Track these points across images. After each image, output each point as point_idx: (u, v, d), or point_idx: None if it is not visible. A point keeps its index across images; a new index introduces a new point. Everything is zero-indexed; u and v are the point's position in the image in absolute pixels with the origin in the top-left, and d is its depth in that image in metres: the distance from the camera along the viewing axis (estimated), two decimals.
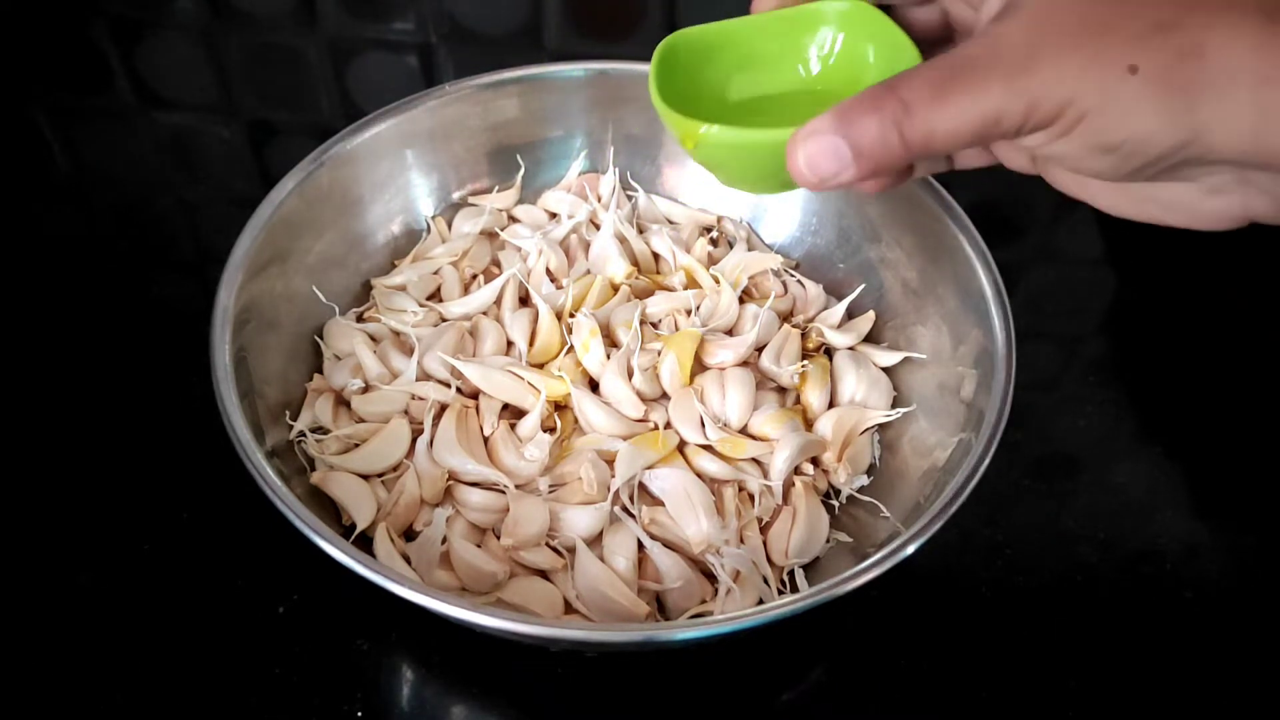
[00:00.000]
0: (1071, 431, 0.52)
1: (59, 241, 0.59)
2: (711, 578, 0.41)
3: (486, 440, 0.44)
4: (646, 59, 0.52)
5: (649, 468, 0.42)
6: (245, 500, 0.37)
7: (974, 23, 0.31)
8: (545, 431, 0.44)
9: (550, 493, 0.42)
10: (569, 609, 0.40)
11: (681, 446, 0.44)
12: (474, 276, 0.50)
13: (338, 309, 0.48)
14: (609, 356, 0.45)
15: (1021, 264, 0.59)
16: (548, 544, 0.41)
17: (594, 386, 0.46)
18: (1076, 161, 0.28)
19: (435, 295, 0.50)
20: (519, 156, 0.54)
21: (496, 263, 0.51)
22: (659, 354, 0.45)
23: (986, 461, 0.38)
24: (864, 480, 0.45)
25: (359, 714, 0.41)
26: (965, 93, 0.27)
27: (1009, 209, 0.62)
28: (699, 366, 0.46)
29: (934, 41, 0.35)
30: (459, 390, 0.45)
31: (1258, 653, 0.44)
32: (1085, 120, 0.26)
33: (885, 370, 0.48)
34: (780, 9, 0.36)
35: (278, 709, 0.41)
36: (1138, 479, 0.50)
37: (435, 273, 0.50)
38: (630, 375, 0.45)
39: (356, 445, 0.44)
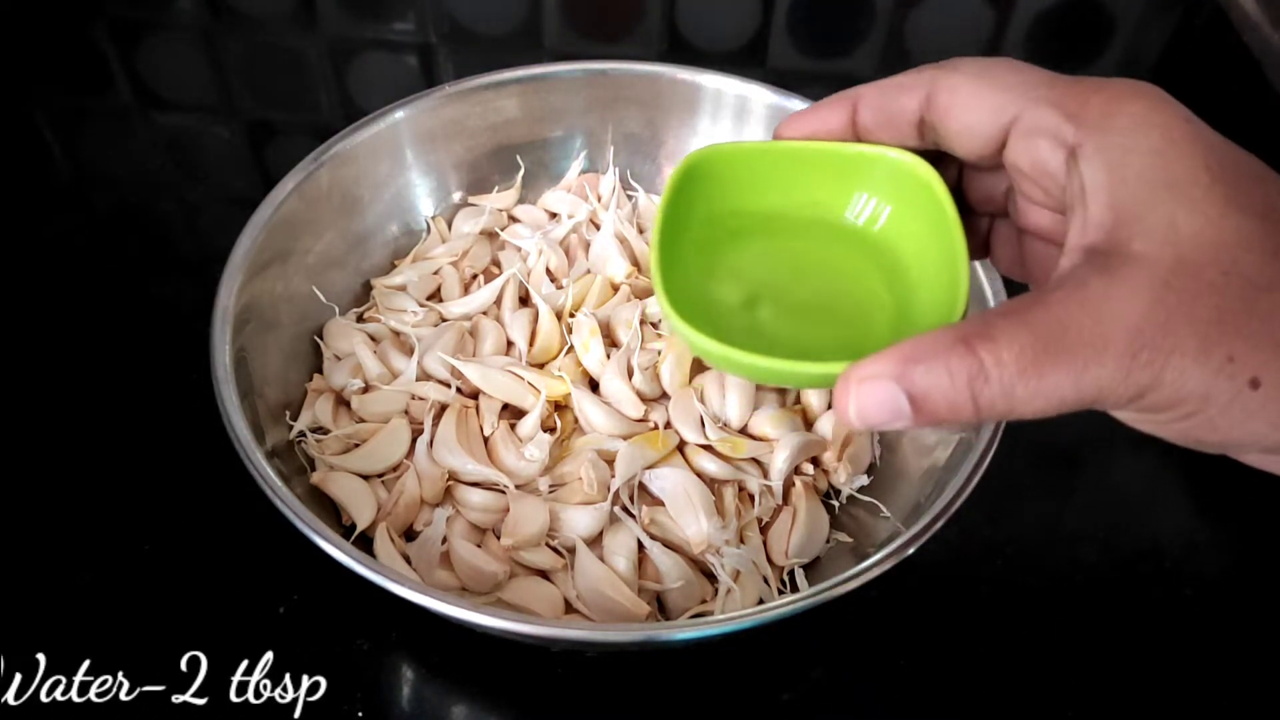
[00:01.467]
0: (1071, 431, 0.52)
1: (59, 242, 0.59)
2: (711, 578, 0.41)
3: (486, 440, 0.44)
4: (646, 59, 0.53)
5: (649, 467, 0.42)
6: (245, 500, 0.37)
7: (1050, 227, 0.28)
8: (545, 431, 0.44)
9: (550, 493, 0.42)
10: (569, 609, 0.40)
11: (681, 446, 0.44)
12: (474, 276, 0.50)
13: (337, 309, 0.48)
14: (609, 356, 0.45)
15: None
16: (548, 544, 0.41)
17: (594, 386, 0.46)
18: (1165, 434, 0.26)
19: (435, 295, 0.50)
20: (519, 156, 0.54)
21: (496, 263, 0.51)
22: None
23: (987, 461, 0.38)
24: (864, 480, 0.45)
25: (359, 714, 0.41)
26: (1066, 372, 0.23)
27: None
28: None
29: (987, 213, 0.31)
30: (459, 390, 0.45)
31: (1257, 651, 0.44)
32: (1195, 418, 0.24)
33: None
34: (821, 141, 0.31)
35: (278, 709, 0.41)
36: (1138, 478, 0.50)
37: (435, 273, 0.50)
38: (630, 375, 0.45)
39: (356, 445, 0.44)
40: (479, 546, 0.41)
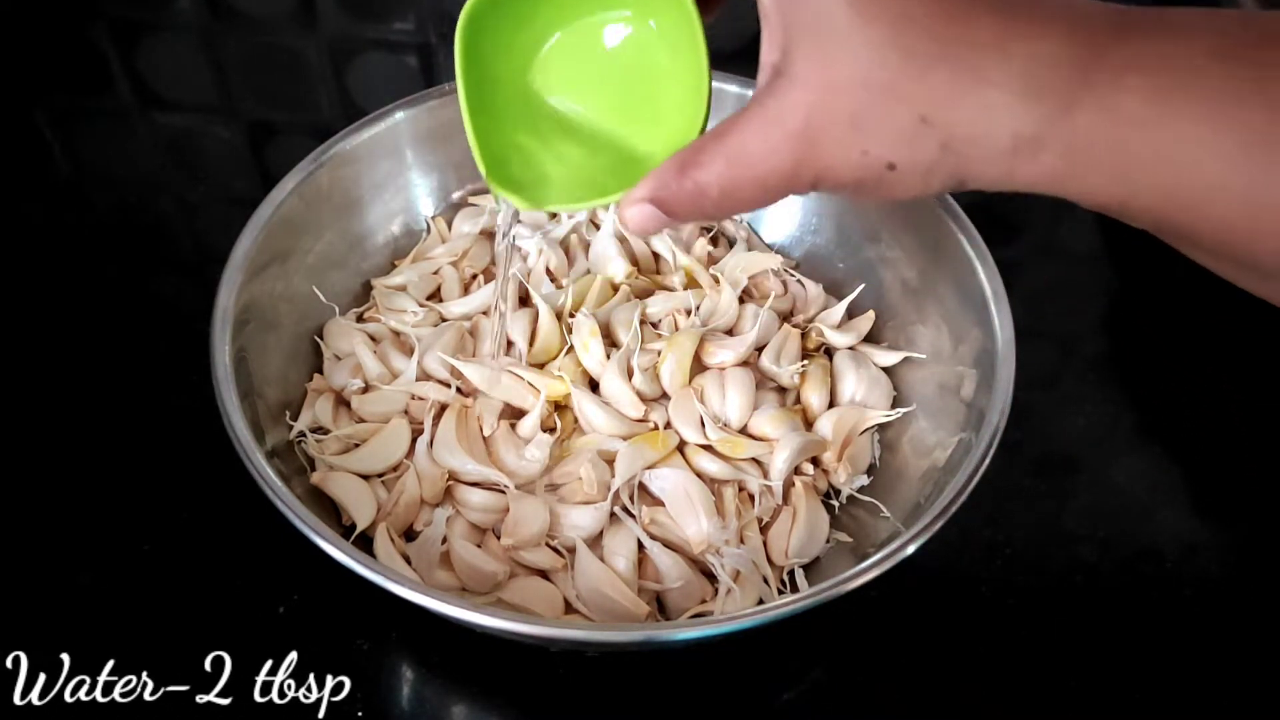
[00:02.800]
0: (1071, 431, 0.52)
1: (59, 242, 0.59)
2: (711, 578, 0.41)
3: (486, 440, 0.44)
4: None
5: (649, 468, 0.42)
6: (245, 500, 0.37)
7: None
8: (546, 432, 0.44)
9: (550, 492, 0.42)
10: (569, 609, 0.40)
11: (681, 446, 0.44)
12: (474, 276, 0.50)
13: (337, 309, 0.48)
14: (609, 356, 0.45)
15: (1021, 264, 0.59)
16: (547, 544, 0.41)
17: (594, 386, 0.46)
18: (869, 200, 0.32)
19: (435, 295, 0.50)
20: None
21: (496, 262, 0.51)
22: (659, 354, 0.45)
23: (987, 461, 0.38)
24: (864, 480, 0.45)
25: (359, 714, 0.41)
26: (752, 184, 0.30)
27: (1009, 209, 0.62)
28: (699, 366, 0.46)
29: None
30: (459, 390, 0.45)
31: (1257, 651, 0.44)
32: (867, 192, 0.30)
33: (885, 370, 0.48)
34: None
35: (278, 709, 0.41)
36: (1138, 478, 0.50)
37: (435, 273, 0.50)
38: (630, 375, 0.45)
39: (356, 445, 0.44)
40: (479, 547, 0.41)
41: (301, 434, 0.44)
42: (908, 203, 0.47)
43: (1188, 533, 0.48)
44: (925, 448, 0.44)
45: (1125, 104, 0.27)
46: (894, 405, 0.47)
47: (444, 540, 0.41)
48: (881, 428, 0.47)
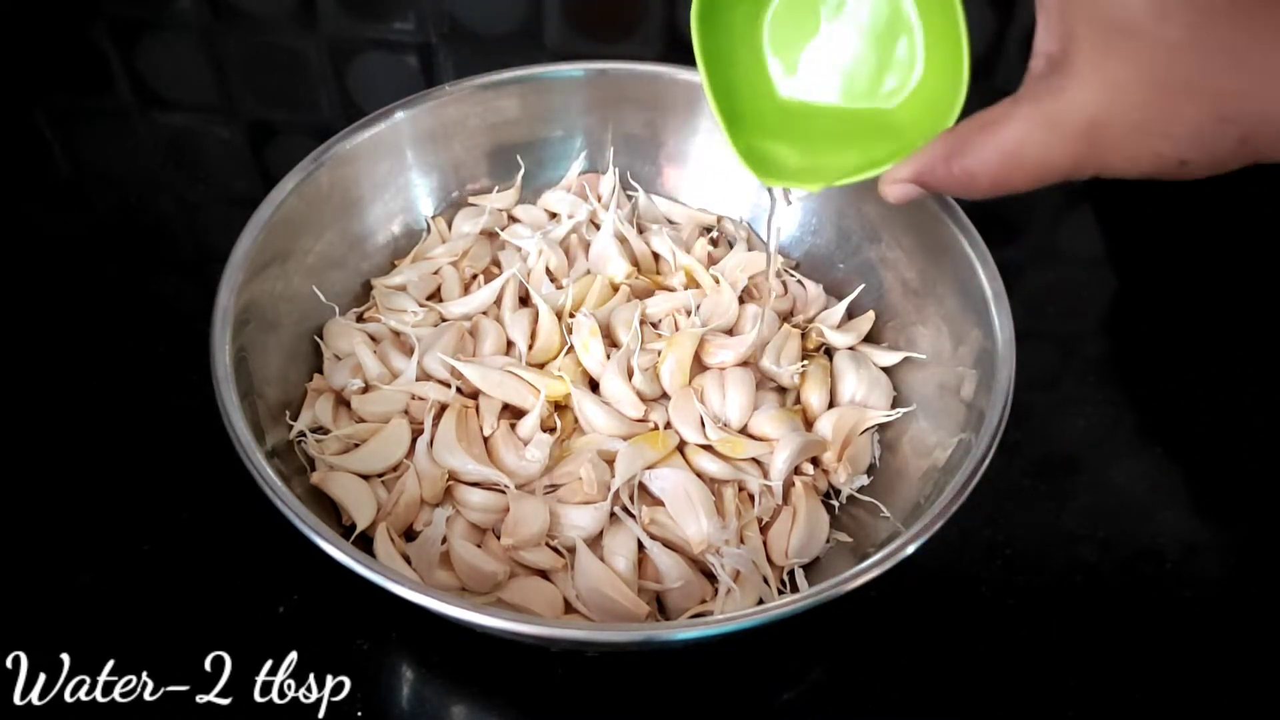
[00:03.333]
0: (1071, 431, 0.52)
1: (59, 241, 0.59)
2: (712, 578, 0.41)
3: (487, 441, 0.44)
4: (646, 59, 0.52)
5: (649, 467, 0.42)
6: (245, 500, 0.37)
7: None
8: (546, 432, 0.44)
9: (550, 492, 0.42)
10: (569, 609, 0.40)
11: (681, 446, 0.44)
12: (474, 276, 0.50)
13: (337, 309, 0.48)
14: (609, 356, 0.45)
15: (1021, 264, 0.59)
16: (547, 544, 0.41)
17: (594, 387, 0.46)
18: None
19: (435, 295, 0.50)
20: (519, 157, 0.54)
21: (496, 262, 0.51)
22: (659, 354, 0.45)
23: (987, 461, 0.38)
24: (864, 480, 0.45)
25: (359, 714, 0.41)
26: (1024, 179, 0.31)
27: (1009, 209, 0.62)
28: (699, 366, 0.46)
29: None
30: (459, 390, 0.45)
31: (1257, 652, 0.44)
32: (1146, 178, 0.30)
33: (885, 370, 0.48)
34: None
35: (278, 709, 0.41)
36: (1138, 479, 0.50)
37: (435, 273, 0.50)
38: (630, 375, 0.45)
39: (356, 445, 0.44)
40: (479, 547, 0.41)
41: (301, 434, 0.44)
42: (908, 202, 0.47)
43: (1188, 533, 0.48)
44: (925, 448, 0.44)
45: None
46: (894, 405, 0.47)
47: (444, 540, 0.41)
48: (881, 428, 0.47)
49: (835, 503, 0.45)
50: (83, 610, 0.43)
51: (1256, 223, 0.62)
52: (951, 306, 0.45)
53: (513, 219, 0.54)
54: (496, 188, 0.54)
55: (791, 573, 0.42)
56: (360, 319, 0.49)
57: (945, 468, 0.41)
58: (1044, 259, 0.61)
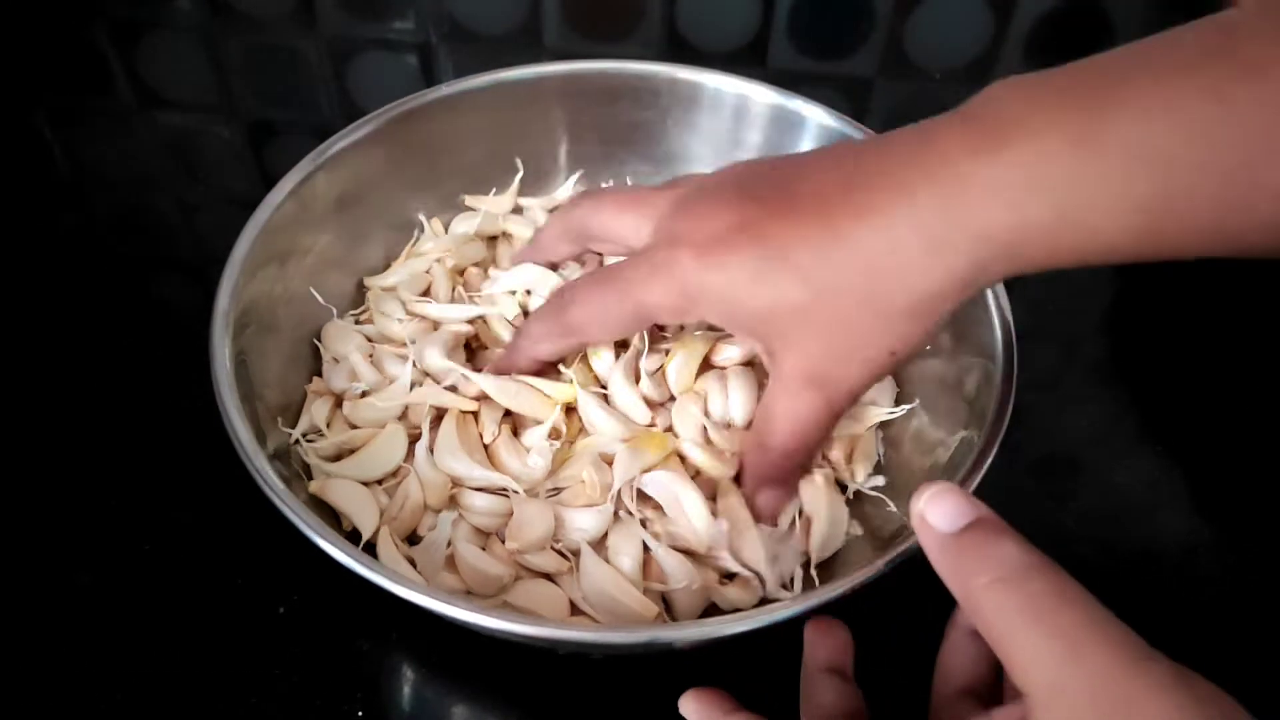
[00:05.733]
0: (1071, 431, 0.52)
1: (59, 242, 0.59)
2: (729, 577, 0.41)
3: (488, 447, 0.43)
4: (646, 59, 0.52)
5: (646, 470, 0.42)
6: (245, 500, 0.37)
7: None
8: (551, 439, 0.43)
9: (552, 495, 0.42)
10: (575, 611, 0.40)
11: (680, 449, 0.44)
12: (462, 272, 0.50)
13: (335, 311, 0.48)
14: (617, 359, 0.45)
15: None
16: (552, 548, 0.41)
17: (604, 388, 0.45)
18: None
19: (427, 294, 0.50)
20: (516, 159, 0.53)
21: (492, 262, 0.51)
22: (666, 353, 0.45)
23: (989, 460, 0.38)
24: (879, 480, 0.44)
25: (359, 714, 0.41)
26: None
27: None
28: (706, 365, 0.46)
29: None
30: (458, 393, 0.44)
31: (1257, 652, 0.44)
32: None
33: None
34: None
35: (278, 709, 0.41)
36: (1138, 479, 0.50)
37: (426, 271, 0.50)
38: (638, 379, 0.45)
39: (353, 451, 0.43)
40: (483, 550, 0.41)
41: (297, 439, 0.43)
42: None
43: (1188, 533, 0.48)
44: (928, 445, 0.44)
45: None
46: (897, 402, 0.47)
47: (448, 544, 0.41)
48: (884, 425, 0.47)
49: (844, 496, 0.45)
50: (83, 610, 0.43)
51: None
52: None
53: (518, 210, 0.54)
54: (494, 190, 0.54)
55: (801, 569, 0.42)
56: (358, 321, 0.49)
57: (948, 465, 0.41)
58: None
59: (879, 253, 0.32)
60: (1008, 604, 0.27)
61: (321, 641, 0.43)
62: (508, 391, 0.43)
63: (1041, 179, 0.30)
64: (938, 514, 0.29)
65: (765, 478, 0.39)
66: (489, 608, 0.36)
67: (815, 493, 0.42)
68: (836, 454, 0.44)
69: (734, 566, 0.40)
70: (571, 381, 0.44)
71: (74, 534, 0.46)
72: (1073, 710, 0.24)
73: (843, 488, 0.45)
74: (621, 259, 0.40)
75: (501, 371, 0.43)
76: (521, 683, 0.42)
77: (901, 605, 0.44)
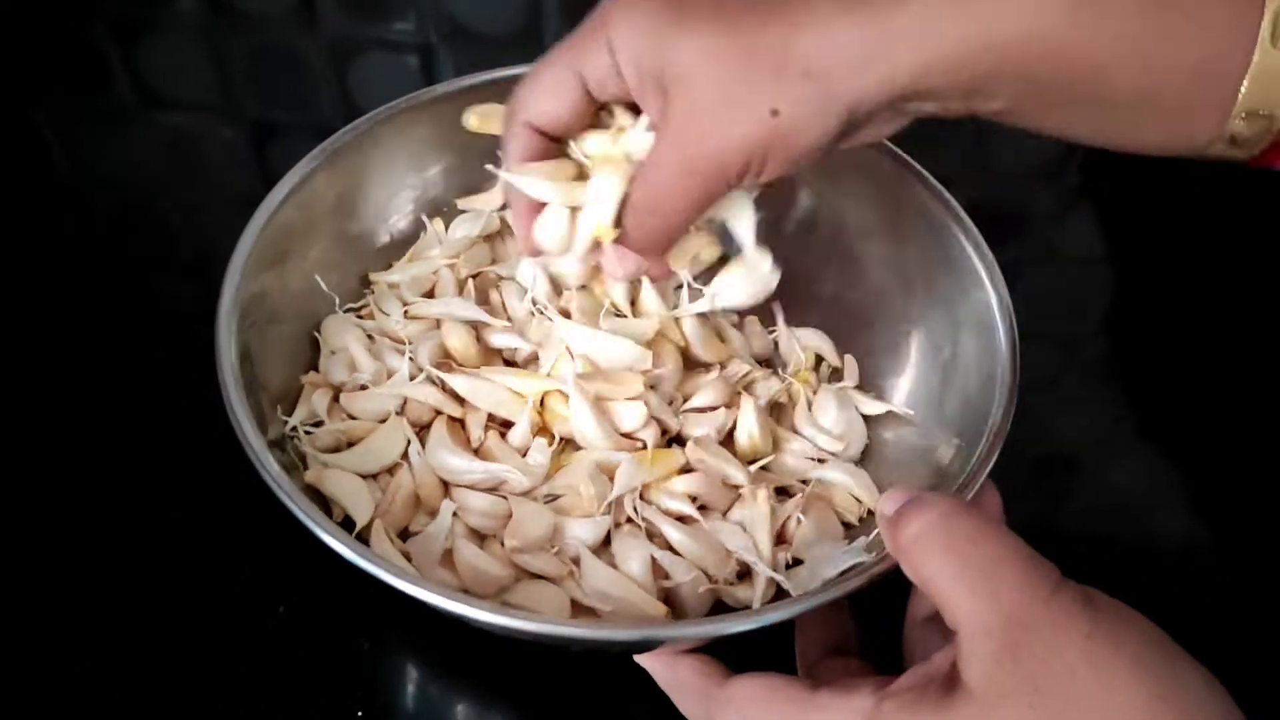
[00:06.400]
0: (1071, 432, 0.52)
1: (59, 242, 0.59)
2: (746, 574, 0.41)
3: (478, 451, 0.43)
4: None
5: (660, 481, 0.42)
6: (245, 500, 0.37)
7: None
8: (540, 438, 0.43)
9: (549, 502, 0.42)
10: (576, 611, 0.40)
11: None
12: (470, 277, 0.50)
13: (338, 299, 0.48)
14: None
15: (1021, 264, 0.59)
16: (552, 552, 0.41)
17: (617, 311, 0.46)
18: None
19: (431, 294, 0.50)
20: (498, 153, 0.52)
21: (495, 261, 0.51)
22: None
23: (991, 461, 0.38)
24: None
25: (359, 714, 0.41)
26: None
27: (1009, 209, 0.62)
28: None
29: None
30: (451, 395, 0.44)
31: (1257, 653, 0.44)
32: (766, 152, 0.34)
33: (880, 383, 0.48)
34: None
35: (278, 709, 0.41)
36: (1138, 479, 0.50)
37: (434, 273, 0.50)
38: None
39: (351, 444, 0.43)
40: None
41: (294, 429, 0.43)
42: (907, 202, 0.47)
43: (1186, 532, 0.48)
44: (926, 448, 0.44)
45: None
46: (893, 404, 0.47)
47: (446, 538, 0.40)
48: (882, 426, 0.47)
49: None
50: (82, 610, 0.43)
51: (1256, 222, 0.62)
52: (951, 305, 0.45)
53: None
54: (485, 184, 0.53)
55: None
56: (359, 317, 0.49)
57: (946, 468, 0.41)
58: (1045, 259, 0.61)
59: (796, 7, 0.32)
60: (932, 547, 0.29)
61: (322, 641, 0.43)
62: (480, 391, 0.43)
63: None
64: (887, 504, 0.31)
65: (634, 245, 0.38)
66: (490, 603, 0.35)
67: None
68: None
69: (767, 572, 0.40)
70: (548, 374, 0.44)
71: (74, 534, 0.46)
72: (990, 636, 0.26)
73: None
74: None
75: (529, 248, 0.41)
76: (521, 682, 0.42)
77: (892, 610, 0.44)
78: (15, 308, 0.55)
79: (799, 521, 0.42)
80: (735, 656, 0.43)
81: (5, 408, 0.50)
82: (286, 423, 0.43)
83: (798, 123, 0.32)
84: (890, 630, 0.44)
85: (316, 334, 0.47)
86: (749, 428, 0.44)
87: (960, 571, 0.28)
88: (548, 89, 0.37)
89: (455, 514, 0.41)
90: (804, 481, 0.44)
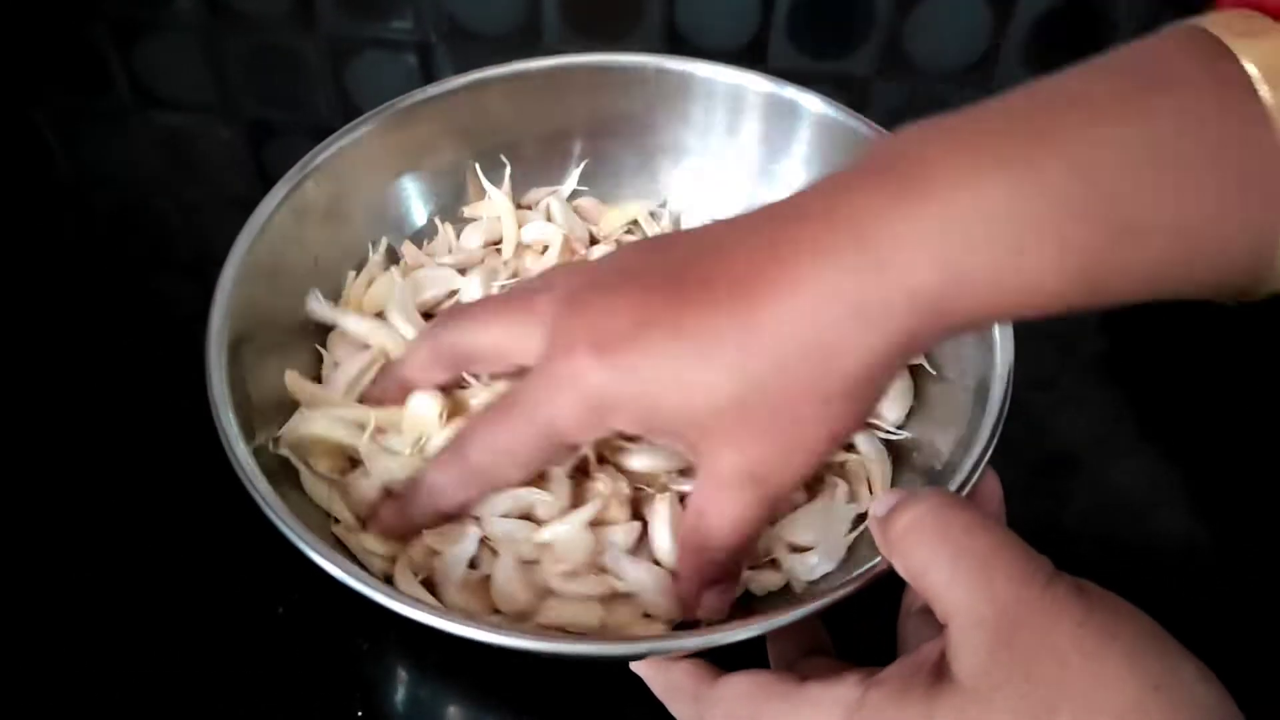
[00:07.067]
0: (1071, 431, 0.52)
1: (58, 241, 0.59)
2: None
3: None
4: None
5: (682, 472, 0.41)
6: (244, 499, 0.37)
7: None
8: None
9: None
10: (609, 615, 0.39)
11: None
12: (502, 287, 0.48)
13: (341, 312, 0.48)
14: None
15: None
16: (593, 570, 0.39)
17: None
18: None
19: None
20: (503, 155, 0.52)
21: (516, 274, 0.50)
22: None
23: (986, 459, 0.38)
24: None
25: (359, 714, 0.41)
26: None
27: None
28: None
29: None
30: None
31: (1257, 653, 0.44)
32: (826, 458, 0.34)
33: None
34: None
35: (277, 709, 0.41)
36: (1137, 478, 0.50)
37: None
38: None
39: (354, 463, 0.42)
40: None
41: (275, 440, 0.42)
42: None
43: (1188, 533, 0.48)
44: (927, 447, 0.43)
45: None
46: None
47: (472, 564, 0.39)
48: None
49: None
50: (82, 610, 0.43)
51: None
52: None
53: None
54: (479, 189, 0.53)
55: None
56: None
57: (944, 467, 0.41)
58: None
59: (807, 332, 0.29)
60: (924, 538, 0.28)
61: (321, 641, 0.43)
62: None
63: (972, 228, 0.28)
64: (878, 506, 0.31)
65: (708, 578, 0.36)
66: (470, 620, 0.34)
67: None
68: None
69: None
70: None
71: (70, 533, 0.46)
72: (983, 626, 0.26)
73: None
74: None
75: (394, 524, 0.39)
76: (519, 683, 0.42)
77: (888, 611, 0.44)
78: (14, 307, 0.55)
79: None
80: (735, 656, 0.43)
81: (3, 407, 0.50)
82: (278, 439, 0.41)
83: (856, 427, 0.34)
84: (876, 636, 0.44)
85: (317, 345, 0.47)
86: None
87: (953, 562, 0.27)
88: (520, 456, 0.36)
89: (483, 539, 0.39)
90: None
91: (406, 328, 0.45)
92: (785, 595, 0.41)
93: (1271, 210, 0.27)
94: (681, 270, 0.31)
